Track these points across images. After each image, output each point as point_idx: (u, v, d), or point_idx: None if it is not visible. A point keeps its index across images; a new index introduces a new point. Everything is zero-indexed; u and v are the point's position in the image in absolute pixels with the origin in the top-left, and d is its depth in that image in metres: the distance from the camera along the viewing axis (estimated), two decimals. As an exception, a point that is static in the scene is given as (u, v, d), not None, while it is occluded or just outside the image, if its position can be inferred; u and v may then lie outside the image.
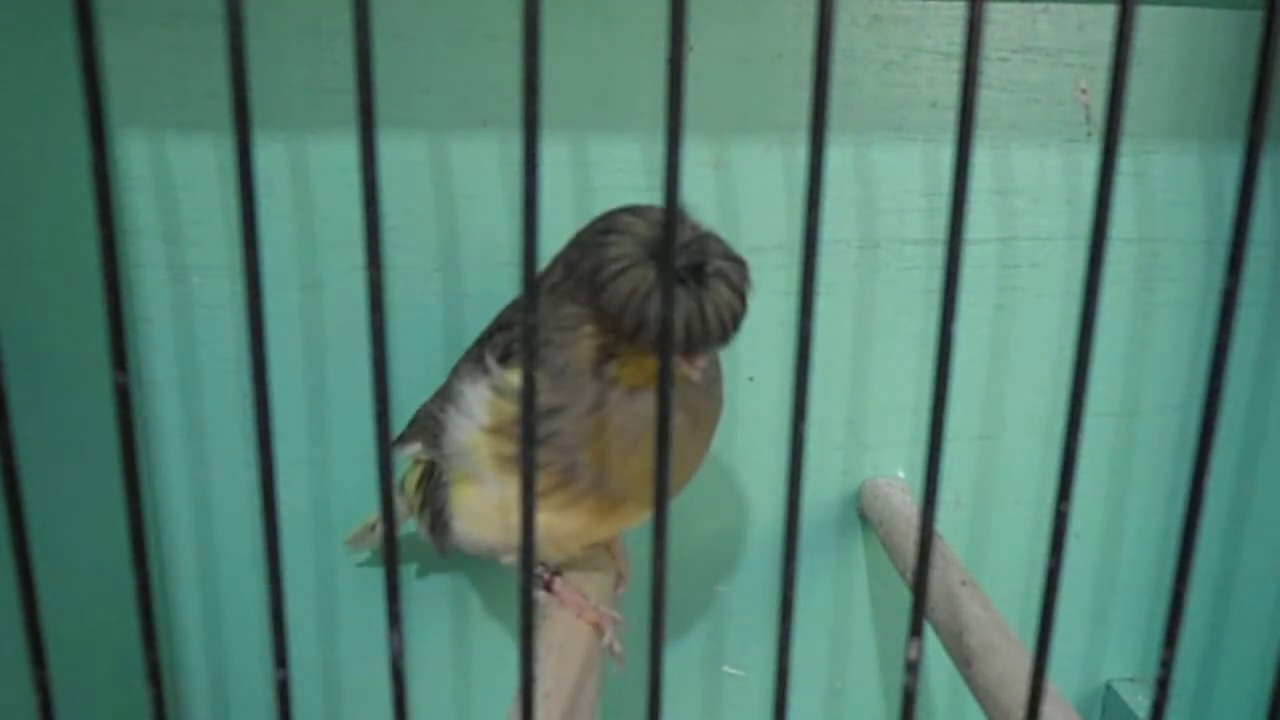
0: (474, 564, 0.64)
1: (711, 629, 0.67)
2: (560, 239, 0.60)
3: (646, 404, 0.43)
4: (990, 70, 0.60)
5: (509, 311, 0.51)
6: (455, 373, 0.50)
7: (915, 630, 0.25)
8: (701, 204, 0.60)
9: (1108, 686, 0.70)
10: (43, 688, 0.25)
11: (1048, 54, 0.60)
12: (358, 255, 0.56)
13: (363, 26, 0.21)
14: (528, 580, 0.24)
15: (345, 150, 0.58)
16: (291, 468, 0.61)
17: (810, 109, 0.22)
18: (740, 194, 0.60)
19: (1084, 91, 0.61)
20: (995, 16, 0.59)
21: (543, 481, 0.44)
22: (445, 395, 0.49)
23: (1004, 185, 0.62)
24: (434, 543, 0.52)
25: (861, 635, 0.69)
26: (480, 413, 0.46)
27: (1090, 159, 0.62)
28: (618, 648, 0.50)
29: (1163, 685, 0.25)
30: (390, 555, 0.24)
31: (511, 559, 0.51)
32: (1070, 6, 0.60)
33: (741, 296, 0.40)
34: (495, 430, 0.45)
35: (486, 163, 0.59)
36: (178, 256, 0.58)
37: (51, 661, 0.25)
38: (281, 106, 0.56)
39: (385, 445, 0.23)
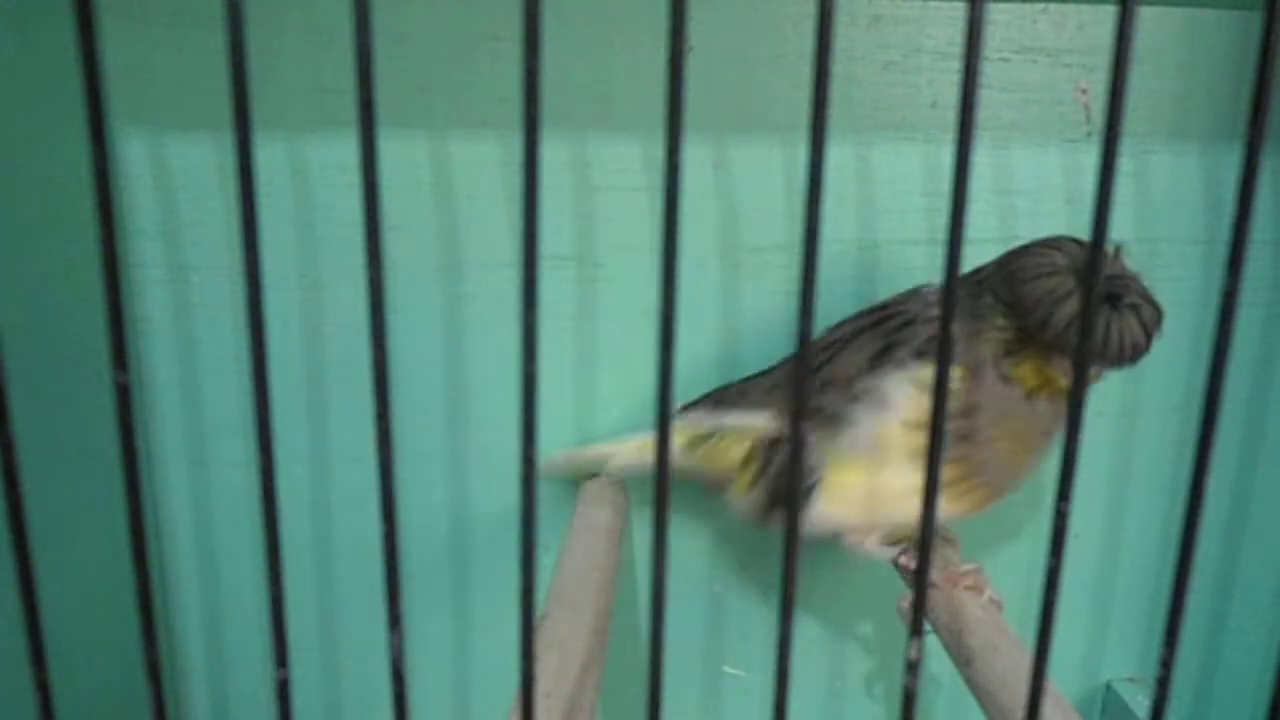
0: (474, 564, 0.64)
1: (711, 629, 0.67)
2: (560, 239, 0.60)
3: (1044, 410, 0.47)
4: (990, 70, 0.60)
5: (897, 302, 0.53)
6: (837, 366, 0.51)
7: (915, 630, 0.25)
8: (701, 204, 0.60)
9: (1108, 686, 0.70)
10: (43, 688, 0.25)
11: (1048, 54, 0.60)
12: (358, 255, 0.56)
13: (363, 26, 0.21)
14: (528, 580, 0.24)
15: (345, 150, 0.58)
16: (291, 468, 0.61)
17: (810, 109, 0.22)
18: (740, 194, 0.60)
19: (1084, 91, 0.61)
20: (995, 16, 0.59)
21: (949, 472, 0.48)
22: (843, 387, 0.50)
23: (1004, 185, 0.62)
24: (758, 516, 0.54)
25: (861, 635, 0.69)
26: (901, 406, 0.48)
27: (1090, 159, 0.62)
28: (998, 596, 0.53)
29: (1163, 685, 0.25)
30: (390, 555, 0.24)
31: (857, 539, 0.54)
32: (1070, 6, 0.60)
33: (1148, 335, 0.44)
34: (913, 423, 0.48)
35: (486, 163, 0.59)
36: (178, 256, 0.58)
37: (51, 661, 0.25)
38: (281, 106, 0.56)
39: (385, 445, 0.23)
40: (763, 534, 0.66)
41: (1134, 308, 0.43)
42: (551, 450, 0.63)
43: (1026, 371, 0.47)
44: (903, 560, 0.55)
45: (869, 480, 0.50)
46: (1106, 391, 0.65)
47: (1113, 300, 0.44)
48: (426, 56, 0.57)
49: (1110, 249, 0.46)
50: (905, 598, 0.55)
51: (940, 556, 0.55)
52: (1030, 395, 0.47)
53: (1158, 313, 0.44)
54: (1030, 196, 0.62)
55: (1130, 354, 0.44)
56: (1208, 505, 0.24)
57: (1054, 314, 0.44)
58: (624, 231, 0.60)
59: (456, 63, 0.57)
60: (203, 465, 0.61)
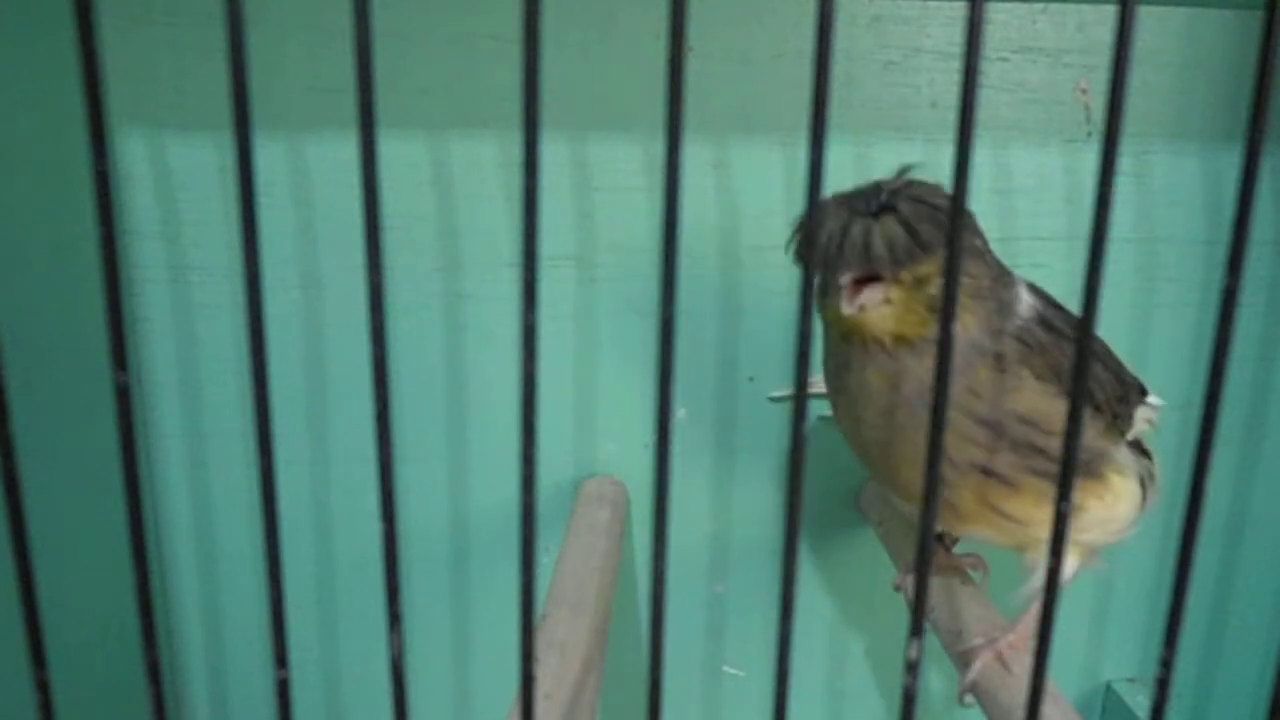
0: (474, 564, 0.64)
1: (711, 629, 0.67)
2: (560, 239, 0.60)
3: (871, 363, 0.42)
4: (990, 70, 0.60)
5: None
6: None
7: (915, 630, 0.25)
8: (701, 204, 0.60)
9: (1108, 686, 0.70)
10: (43, 688, 0.25)
11: (1048, 54, 0.60)
12: (358, 255, 0.56)
13: (363, 26, 0.21)
14: (528, 580, 0.24)
15: (345, 150, 0.58)
16: (291, 468, 0.61)
17: (810, 109, 0.22)
18: (740, 194, 0.60)
19: (1084, 91, 0.61)
20: (995, 16, 0.59)
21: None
22: None
23: (1004, 185, 0.62)
24: None
25: (861, 635, 0.69)
26: None
27: (1090, 159, 0.62)
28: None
29: (1163, 685, 0.25)
30: (390, 555, 0.24)
31: None
32: (1070, 6, 0.60)
33: (912, 233, 0.39)
34: None
35: (486, 163, 0.59)
36: (178, 256, 0.58)
37: (51, 661, 0.25)
38: (281, 106, 0.56)
39: (385, 445, 0.23)
40: (762, 534, 0.66)
41: (895, 212, 0.39)
42: (551, 450, 0.63)
43: (831, 311, 0.42)
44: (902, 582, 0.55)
45: None
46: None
47: (880, 210, 0.40)
48: (426, 56, 0.57)
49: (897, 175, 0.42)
50: (903, 577, 0.55)
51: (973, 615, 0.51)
52: (866, 351, 0.42)
53: (926, 208, 0.40)
54: (1030, 196, 0.62)
55: (873, 249, 0.39)
56: (1208, 505, 0.24)
57: (805, 234, 0.36)
58: (624, 231, 0.60)
59: (456, 63, 0.57)
60: (203, 465, 0.61)
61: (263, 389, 0.23)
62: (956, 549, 0.57)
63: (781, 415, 0.64)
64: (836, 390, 0.44)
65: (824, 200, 0.40)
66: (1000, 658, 0.45)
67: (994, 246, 0.63)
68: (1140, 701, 0.67)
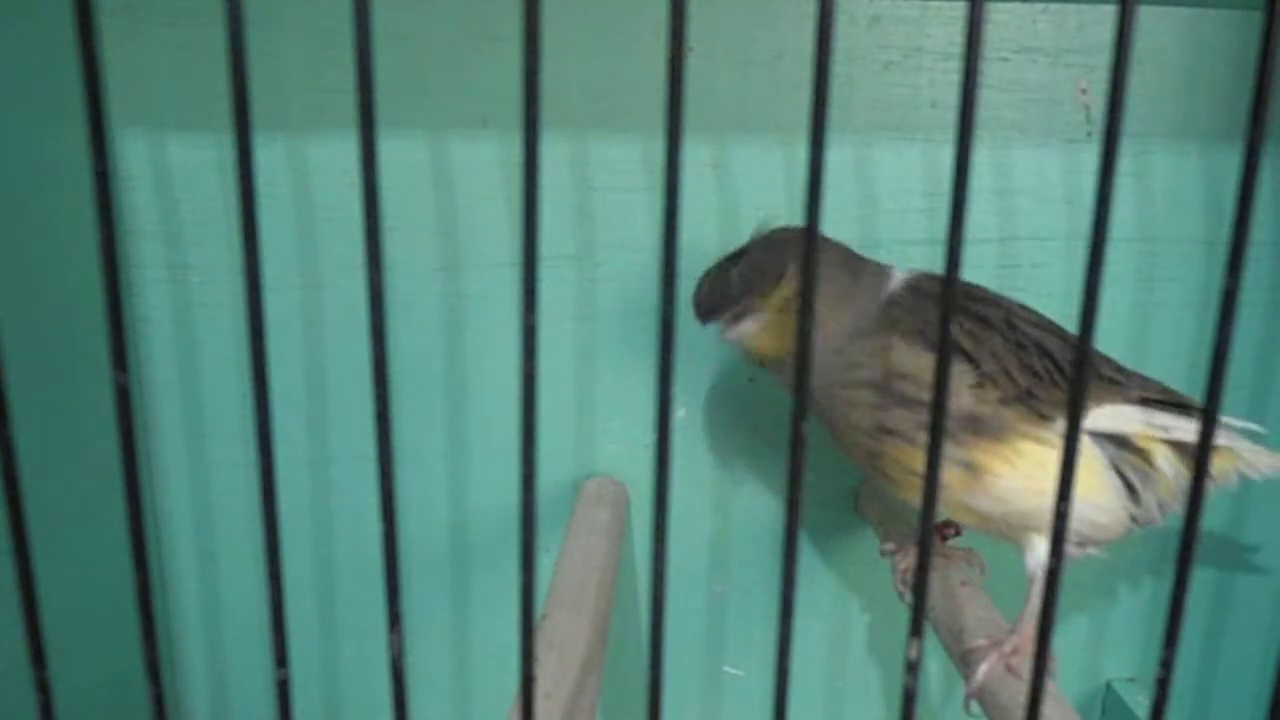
0: (474, 564, 0.64)
1: (711, 629, 0.67)
2: (560, 239, 0.60)
3: (782, 376, 0.50)
4: (990, 70, 0.60)
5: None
6: None
7: (915, 630, 0.25)
8: (701, 204, 0.60)
9: (1108, 686, 0.70)
10: (43, 688, 0.25)
11: (1048, 54, 0.60)
12: (358, 255, 0.56)
13: (363, 26, 0.21)
14: (528, 580, 0.24)
15: (345, 150, 0.58)
16: (291, 468, 0.61)
17: (810, 109, 0.22)
18: (740, 194, 0.60)
19: (1084, 91, 0.61)
20: (995, 16, 0.59)
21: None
22: None
23: (1004, 185, 0.62)
24: None
25: (861, 635, 0.69)
26: None
27: (1090, 159, 0.62)
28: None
29: (1163, 685, 0.25)
30: (390, 555, 0.24)
31: None
32: (1070, 6, 0.60)
33: (761, 268, 0.48)
34: None
35: (486, 163, 0.59)
36: (178, 256, 0.58)
37: (51, 661, 0.25)
38: (281, 106, 0.56)
39: (385, 445, 0.23)
40: (763, 534, 0.66)
41: (745, 254, 0.48)
42: (551, 450, 0.63)
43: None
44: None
45: None
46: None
47: (737, 258, 0.49)
48: (426, 56, 0.57)
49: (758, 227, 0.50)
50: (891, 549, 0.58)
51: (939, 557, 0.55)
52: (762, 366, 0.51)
53: (774, 243, 0.48)
54: (1030, 196, 0.62)
55: (704, 302, 0.49)
56: (1208, 505, 0.24)
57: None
58: (624, 231, 0.60)
59: (456, 63, 0.57)
60: (203, 465, 0.61)
61: (263, 389, 0.23)
62: (952, 544, 0.57)
63: (782, 415, 0.64)
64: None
65: (708, 270, 0.50)
66: (1010, 668, 0.46)
67: (994, 246, 0.64)
68: (1140, 701, 0.67)
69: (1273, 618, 0.68)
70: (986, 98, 0.60)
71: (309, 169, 0.58)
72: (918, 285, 0.48)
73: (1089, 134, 0.62)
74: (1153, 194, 0.63)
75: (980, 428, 0.45)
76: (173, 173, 0.57)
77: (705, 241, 0.61)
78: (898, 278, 0.49)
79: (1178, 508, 0.48)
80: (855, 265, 0.49)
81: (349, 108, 0.24)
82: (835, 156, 0.60)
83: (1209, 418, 0.23)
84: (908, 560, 0.56)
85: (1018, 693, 0.43)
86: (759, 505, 0.66)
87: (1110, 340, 0.64)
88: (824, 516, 0.66)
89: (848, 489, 0.66)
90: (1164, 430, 0.47)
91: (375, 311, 0.23)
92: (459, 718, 0.67)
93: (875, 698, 0.70)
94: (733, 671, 0.68)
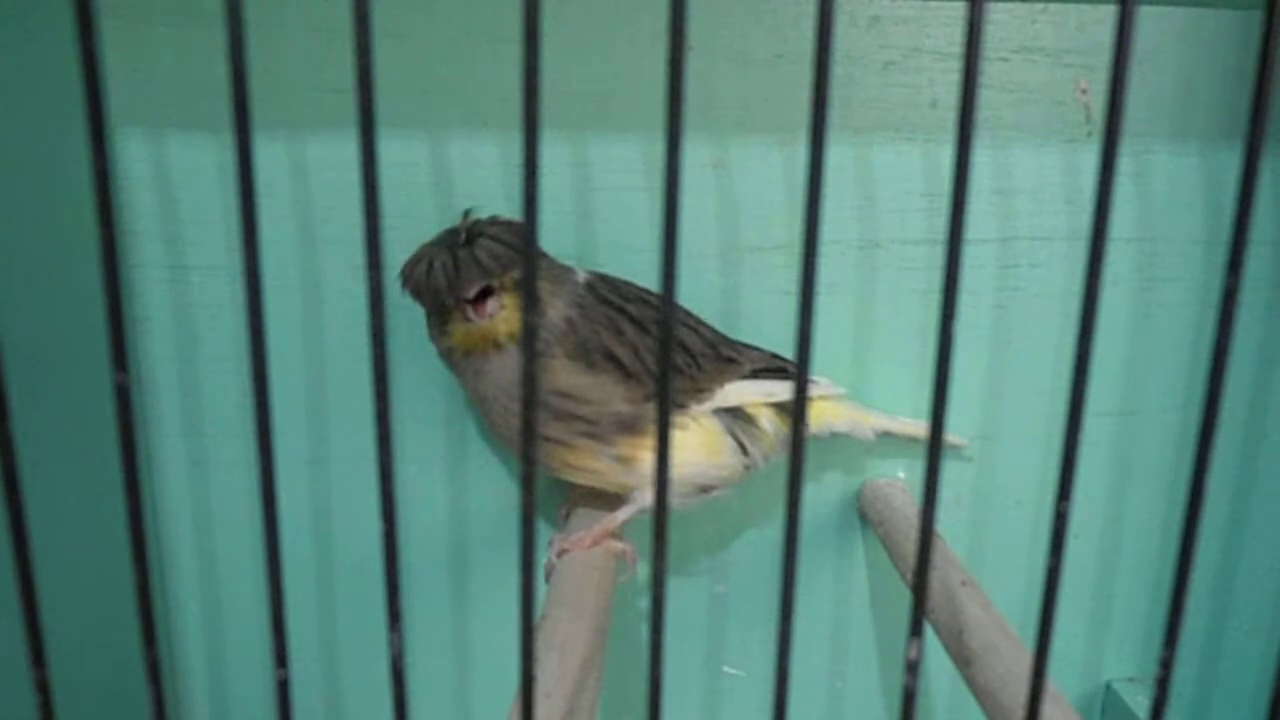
0: (474, 564, 0.64)
1: (711, 629, 0.67)
2: (560, 239, 0.60)
3: (499, 363, 0.52)
4: (990, 70, 0.60)
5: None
6: None
7: (915, 630, 0.25)
8: (701, 204, 0.60)
9: (1108, 686, 0.70)
10: (43, 688, 0.25)
11: (1048, 54, 0.60)
12: (358, 255, 0.56)
13: (363, 26, 0.21)
14: (528, 580, 0.24)
15: (345, 150, 0.58)
16: (291, 468, 0.61)
17: (810, 109, 0.22)
18: (740, 194, 0.60)
19: (1084, 91, 0.61)
20: (995, 16, 0.59)
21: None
22: None
23: (1004, 185, 0.62)
24: None
25: (861, 635, 0.69)
26: None
27: (1090, 159, 0.62)
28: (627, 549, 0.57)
29: (1163, 685, 0.25)
30: (390, 554, 0.24)
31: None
32: (1070, 6, 0.60)
33: (509, 245, 0.48)
34: None
35: (486, 163, 0.59)
36: (178, 256, 0.58)
37: (51, 661, 0.25)
38: (281, 106, 0.56)
39: (385, 445, 0.23)
40: (763, 534, 0.66)
41: (480, 236, 0.49)
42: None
43: (457, 333, 0.52)
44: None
45: None
46: (1106, 392, 0.65)
47: (469, 241, 0.49)
48: (426, 56, 0.57)
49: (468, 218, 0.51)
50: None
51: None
52: (468, 357, 0.52)
53: (505, 228, 0.49)
54: (1030, 196, 0.62)
55: (493, 262, 0.48)
56: (1208, 505, 0.24)
57: (412, 280, 0.50)
58: (624, 231, 0.60)
59: (456, 63, 0.57)
60: (203, 465, 0.61)
61: (263, 389, 0.23)
62: (572, 522, 0.59)
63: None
64: (480, 401, 0.53)
65: (416, 254, 0.51)
66: (563, 550, 0.54)
67: (994, 246, 0.64)
68: (1140, 701, 0.67)
69: (1273, 618, 0.68)
70: (986, 98, 0.60)
71: (309, 169, 0.58)
72: (593, 286, 0.54)
73: (1089, 134, 0.62)
74: (1153, 194, 0.63)
75: (627, 427, 0.52)
76: (173, 173, 0.57)
77: (705, 241, 0.61)
78: (580, 278, 0.54)
79: (780, 456, 0.58)
80: (553, 263, 0.54)
81: (349, 108, 0.24)
82: (835, 156, 0.60)
83: (1209, 417, 0.23)
84: (564, 543, 0.57)
85: (1018, 693, 0.43)
86: (759, 505, 0.66)
87: (1110, 340, 0.64)
88: (824, 517, 0.66)
89: (848, 489, 0.66)
90: (770, 395, 0.56)
91: (375, 311, 0.23)
92: (459, 718, 0.67)
93: (875, 698, 0.70)
94: (733, 671, 0.68)
